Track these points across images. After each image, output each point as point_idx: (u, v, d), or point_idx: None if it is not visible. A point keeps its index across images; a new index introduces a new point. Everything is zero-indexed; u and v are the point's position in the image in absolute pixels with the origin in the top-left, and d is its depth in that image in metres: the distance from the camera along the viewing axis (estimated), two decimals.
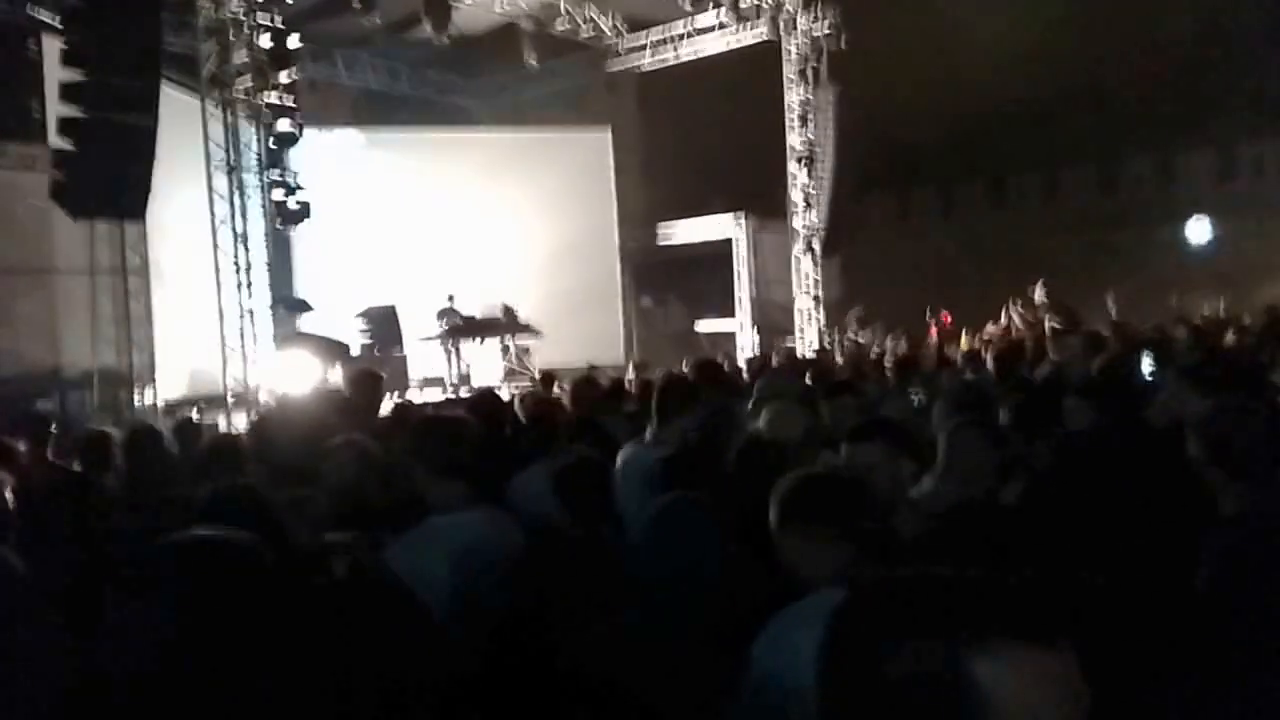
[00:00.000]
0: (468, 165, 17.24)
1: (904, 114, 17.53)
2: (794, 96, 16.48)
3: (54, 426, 6.25)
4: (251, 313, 12.90)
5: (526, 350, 15.19)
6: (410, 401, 10.64)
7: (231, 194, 12.90)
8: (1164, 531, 2.31)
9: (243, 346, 12.78)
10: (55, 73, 10.18)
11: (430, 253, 16.72)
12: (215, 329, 12.72)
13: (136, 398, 12.71)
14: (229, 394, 12.43)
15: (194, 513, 2.67)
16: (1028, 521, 2.81)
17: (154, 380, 12.91)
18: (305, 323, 14.52)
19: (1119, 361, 5.58)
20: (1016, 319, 10.35)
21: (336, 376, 12.11)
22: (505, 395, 8.47)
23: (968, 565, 2.37)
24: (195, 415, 10.92)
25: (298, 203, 14.00)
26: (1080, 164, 19.14)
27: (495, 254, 17.11)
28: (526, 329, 15.15)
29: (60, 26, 10.05)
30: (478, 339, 15.00)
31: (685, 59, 17.68)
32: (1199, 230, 18.32)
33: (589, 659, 2.06)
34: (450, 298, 14.87)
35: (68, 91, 9.45)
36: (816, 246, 16.62)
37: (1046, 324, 9.77)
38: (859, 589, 0.95)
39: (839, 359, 10.84)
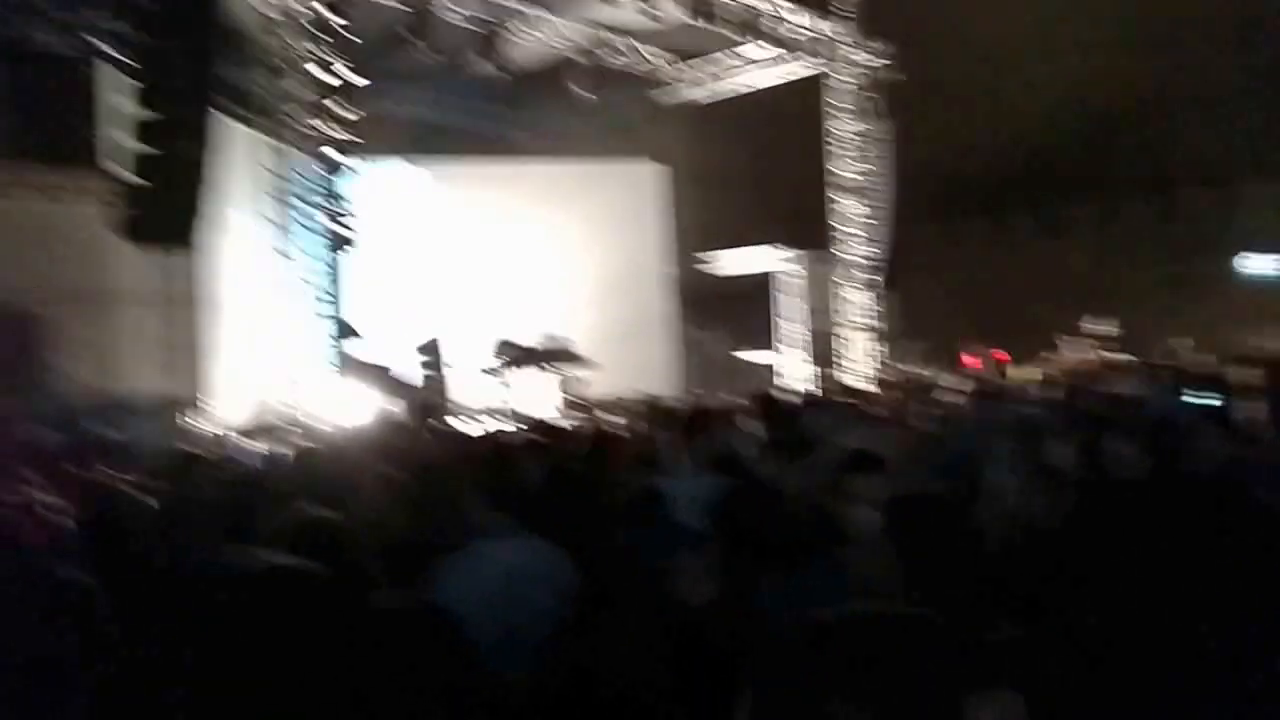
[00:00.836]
0: (517, 196, 17.37)
1: (960, 143, 17.39)
2: (844, 128, 16.44)
3: (113, 452, 6.32)
4: (304, 341, 13.03)
5: (578, 381, 15.19)
6: (466, 432, 10.65)
7: (285, 224, 13.09)
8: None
9: (295, 375, 12.90)
10: (108, 100, 10.42)
11: (479, 284, 16.83)
12: (269, 356, 12.85)
13: (192, 424, 12.86)
14: (282, 421, 12.53)
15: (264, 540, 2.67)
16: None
17: (209, 407, 13.07)
18: (354, 350, 14.63)
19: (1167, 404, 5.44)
20: (1075, 354, 10.14)
21: (387, 405, 12.19)
22: (557, 426, 8.45)
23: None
24: (250, 442, 11.02)
25: (347, 236, 14.16)
26: (1137, 195, 18.84)
27: (544, 285, 17.18)
28: (578, 360, 15.15)
29: (118, 60, 10.29)
30: (528, 369, 15.02)
31: (732, 93, 17.73)
32: (1260, 263, 17.92)
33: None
34: (500, 333, 14.92)
35: (127, 122, 9.66)
36: (868, 278, 16.49)
37: (1108, 357, 9.58)
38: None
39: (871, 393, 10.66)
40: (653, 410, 6.57)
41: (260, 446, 8.92)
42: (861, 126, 16.31)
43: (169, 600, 2.49)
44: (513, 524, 3.27)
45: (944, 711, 0.81)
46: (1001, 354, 10.78)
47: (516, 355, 14.79)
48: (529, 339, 15.09)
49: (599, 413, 9.72)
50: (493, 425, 13.39)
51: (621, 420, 6.79)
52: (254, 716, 1.67)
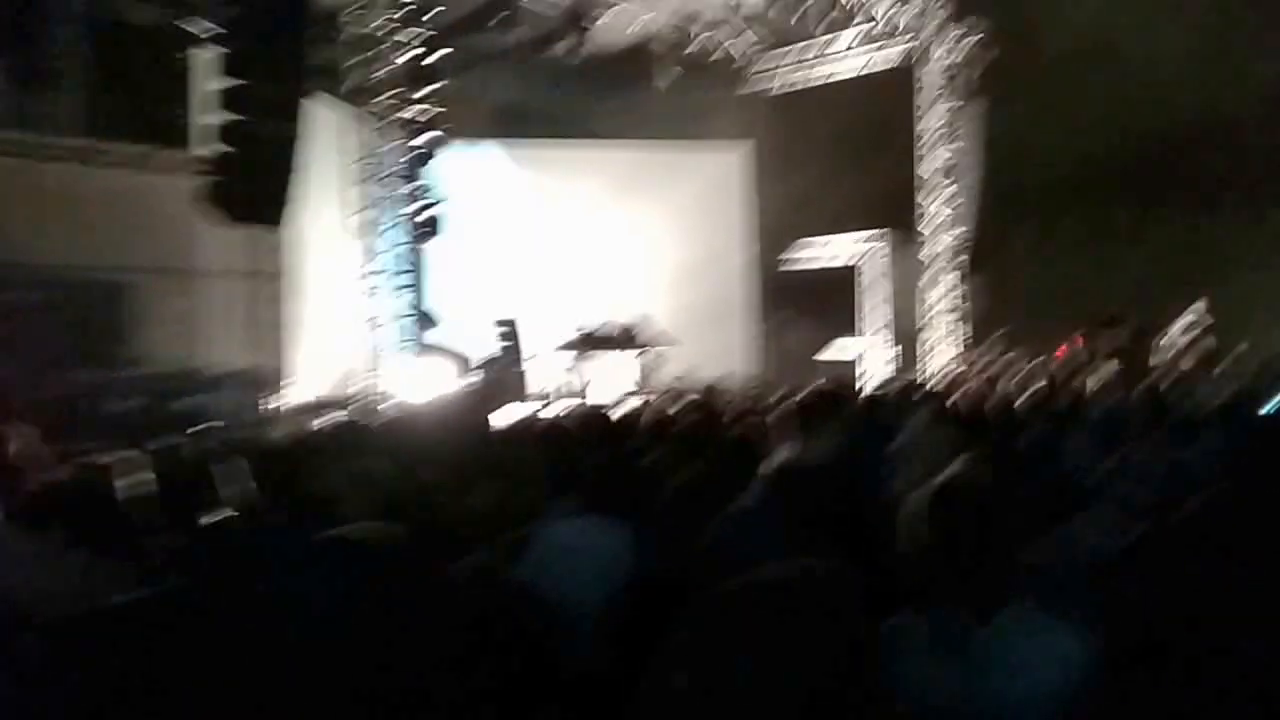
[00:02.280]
0: (600, 180, 17.35)
1: (1053, 133, 16.84)
2: (935, 113, 16.06)
3: (198, 425, 6.40)
4: (383, 322, 13.19)
5: (660, 363, 15.15)
6: (536, 415, 10.67)
7: (369, 205, 13.25)
8: None
9: (373, 354, 13.07)
10: (202, 82, 10.62)
11: (560, 265, 16.87)
12: (348, 337, 13.04)
13: (273, 401, 13.12)
14: (359, 401, 12.72)
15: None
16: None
17: (289, 384, 13.32)
18: (432, 334, 14.78)
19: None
20: (1168, 348, 9.71)
21: (461, 386, 12.28)
22: (632, 408, 8.39)
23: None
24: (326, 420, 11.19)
25: (432, 215, 14.29)
26: (1233, 198, 18.03)
27: (624, 269, 17.15)
28: (654, 344, 15.10)
29: (210, 38, 10.48)
30: (604, 353, 15.01)
31: (816, 82, 17.46)
32: None
33: None
34: (577, 317, 14.92)
35: (218, 99, 9.85)
36: (954, 268, 16.10)
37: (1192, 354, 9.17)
38: None
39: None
40: (718, 398, 6.47)
41: (339, 417, 9.04)
42: (953, 110, 15.90)
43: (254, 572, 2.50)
44: (578, 506, 3.22)
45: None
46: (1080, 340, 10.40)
47: (594, 339, 14.76)
48: (607, 324, 15.05)
49: (674, 399, 9.61)
50: (567, 408, 13.42)
51: (695, 407, 6.67)
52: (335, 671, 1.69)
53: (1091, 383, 8.21)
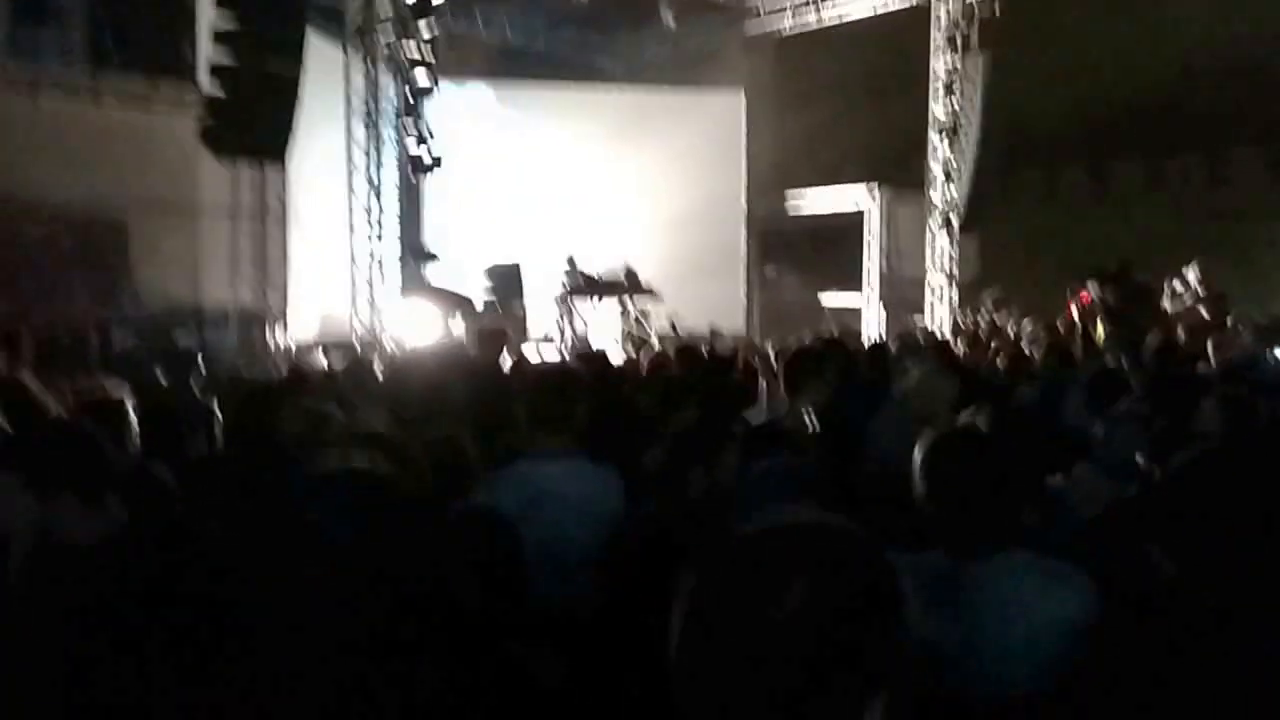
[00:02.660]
0: (598, 123, 17.17)
1: (1058, 86, 16.64)
2: (940, 63, 15.83)
3: (200, 360, 6.40)
4: (380, 261, 13.15)
5: (646, 313, 15.08)
6: (527, 357, 10.69)
7: (368, 143, 13.14)
8: None
9: (371, 293, 13.04)
10: (207, 17, 10.48)
11: (556, 210, 16.73)
12: (345, 274, 13.00)
13: (270, 338, 13.13)
14: (356, 339, 12.72)
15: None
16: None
17: (287, 321, 13.31)
18: (430, 274, 14.75)
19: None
20: (1167, 304, 9.63)
21: (458, 328, 12.27)
22: (621, 356, 8.39)
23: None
24: (324, 358, 11.20)
25: (430, 155, 14.18)
26: (1247, 148, 17.86)
27: (620, 214, 17.02)
28: (647, 292, 15.03)
29: None
30: (597, 299, 14.96)
31: (827, 23, 17.16)
32: None
33: None
34: (570, 260, 14.80)
35: (220, 37, 9.74)
36: (955, 221, 15.97)
37: (1199, 311, 9.10)
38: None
39: (961, 343, 10.34)
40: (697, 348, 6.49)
41: (333, 358, 9.05)
42: (958, 61, 15.66)
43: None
44: (567, 447, 3.23)
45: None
46: (1086, 296, 10.31)
47: (580, 283, 14.68)
48: (595, 268, 14.94)
49: (664, 345, 9.62)
50: (560, 351, 13.45)
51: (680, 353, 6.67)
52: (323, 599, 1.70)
53: (1096, 337, 8.20)
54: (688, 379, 5.55)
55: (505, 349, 8.08)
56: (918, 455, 2.16)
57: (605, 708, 1.94)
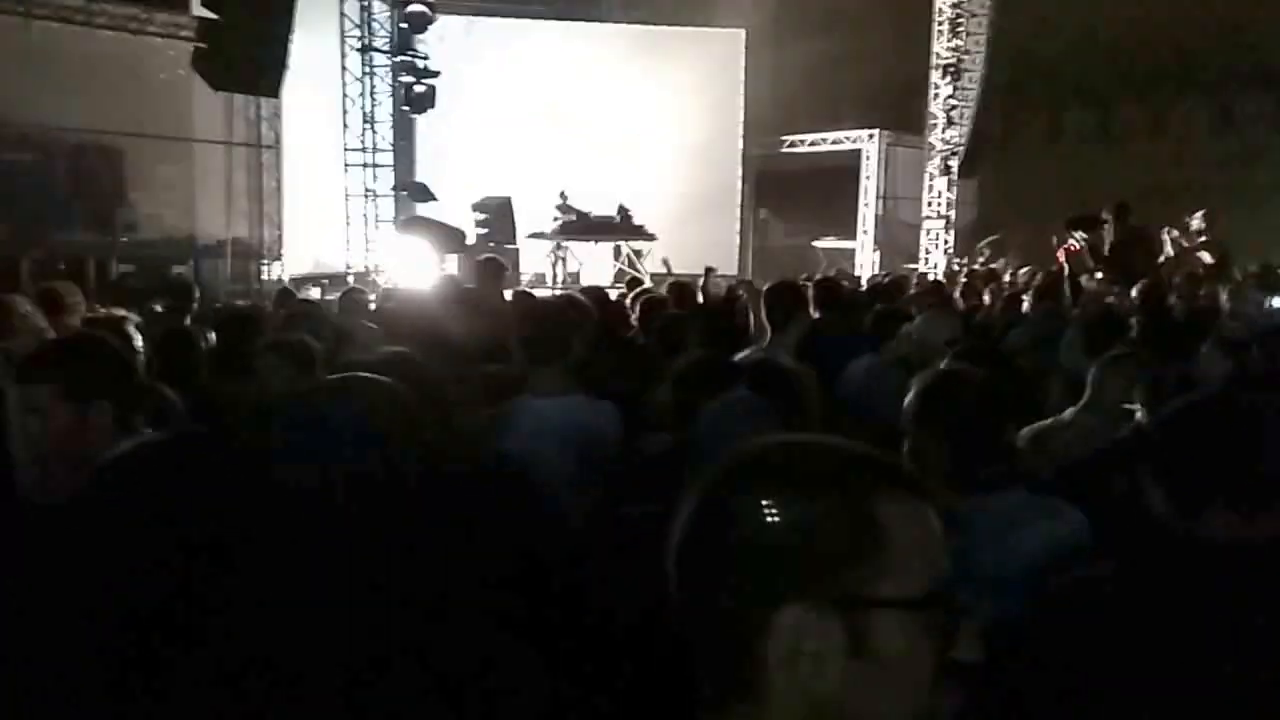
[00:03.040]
0: (596, 59, 16.94)
1: (1063, 28, 16.41)
2: (942, 3, 15.62)
3: (196, 293, 6.37)
4: (374, 194, 13.06)
5: (639, 253, 15.02)
6: (529, 292, 10.68)
7: (364, 75, 12.98)
8: None
9: (365, 228, 12.97)
10: None
11: (551, 146, 16.54)
12: (339, 208, 12.92)
13: (264, 271, 13.09)
14: (349, 273, 12.69)
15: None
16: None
17: (281, 255, 13.25)
18: (425, 209, 14.64)
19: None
20: (1171, 248, 9.62)
21: (451, 264, 12.23)
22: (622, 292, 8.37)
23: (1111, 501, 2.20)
24: (318, 292, 11.18)
25: (426, 88, 13.99)
26: (1251, 94, 17.66)
27: (616, 152, 16.86)
28: (640, 232, 14.95)
29: None
30: (591, 239, 14.89)
31: None
32: None
33: None
34: (563, 195, 14.69)
35: None
36: (954, 165, 15.87)
37: (1200, 258, 9.10)
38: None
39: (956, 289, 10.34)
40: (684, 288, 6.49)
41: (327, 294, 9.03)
42: (958, 1, 15.44)
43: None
44: (561, 378, 3.24)
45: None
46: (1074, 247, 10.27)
47: (573, 221, 14.59)
48: (588, 207, 14.85)
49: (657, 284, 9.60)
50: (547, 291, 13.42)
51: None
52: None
53: (1087, 281, 8.20)
54: (685, 317, 5.56)
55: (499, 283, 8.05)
56: (911, 394, 2.19)
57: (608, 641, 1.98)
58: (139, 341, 3.42)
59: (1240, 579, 1.59)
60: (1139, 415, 2.69)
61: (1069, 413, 3.00)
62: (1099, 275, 8.21)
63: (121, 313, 4.10)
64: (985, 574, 1.87)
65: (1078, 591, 1.70)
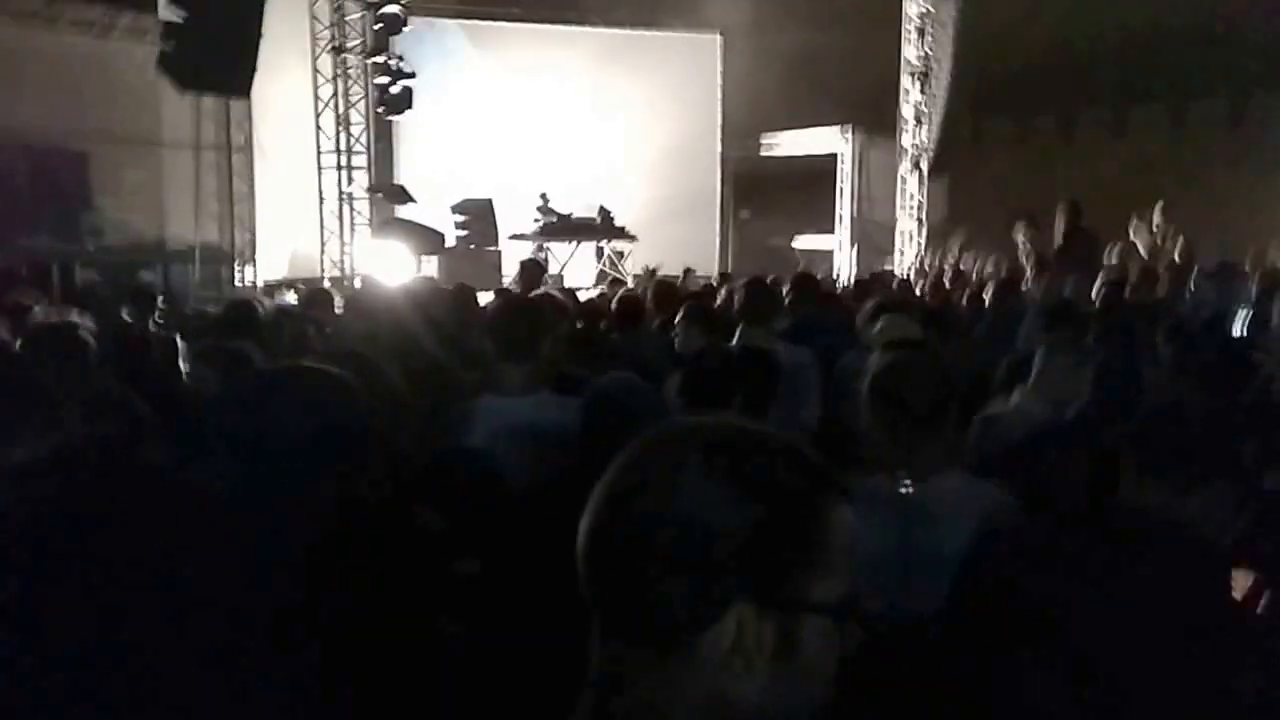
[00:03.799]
0: (574, 62, 16.95)
1: (1027, 33, 16.60)
2: (914, 7, 15.76)
3: (160, 299, 6.36)
4: (350, 197, 13.01)
5: (621, 254, 15.07)
6: (509, 290, 10.68)
7: (336, 76, 12.94)
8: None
9: (341, 230, 12.93)
10: None
11: (530, 149, 16.55)
12: (314, 211, 12.87)
13: (237, 275, 13.02)
14: (325, 277, 12.64)
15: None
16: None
17: (254, 259, 13.18)
18: (403, 211, 14.60)
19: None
20: (1140, 245, 9.77)
21: (430, 266, 12.22)
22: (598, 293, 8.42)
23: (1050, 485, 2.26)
24: (293, 295, 11.12)
25: (401, 89, 13.94)
26: (1210, 99, 17.91)
27: (595, 154, 16.90)
28: (622, 233, 14.99)
29: None
30: (572, 240, 14.91)
31: None
32: None
33: None
34: (544, 196, 14.71)
35: None
36: (924, 166, 16.01)
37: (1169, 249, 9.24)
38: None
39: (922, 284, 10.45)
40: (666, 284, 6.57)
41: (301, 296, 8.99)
42: (926, 8, 15.59)
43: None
44: (526, 376, 3.27)
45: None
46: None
47: (554, 223, 14.62)
48: (569, 208, 14.87)
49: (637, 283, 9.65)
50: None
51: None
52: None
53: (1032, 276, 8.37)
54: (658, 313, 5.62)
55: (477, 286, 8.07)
56: (865, 379, 2.26)
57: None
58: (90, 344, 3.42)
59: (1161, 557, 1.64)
60: (1080, 400, 2.75)
61: (1014, 397, 3.08)
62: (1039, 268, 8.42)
63: (74, 317, 4.07)
64: (922, 555, 1.94)
65: (1007, 571, 1.75)
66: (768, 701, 0.88)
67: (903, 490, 2.12)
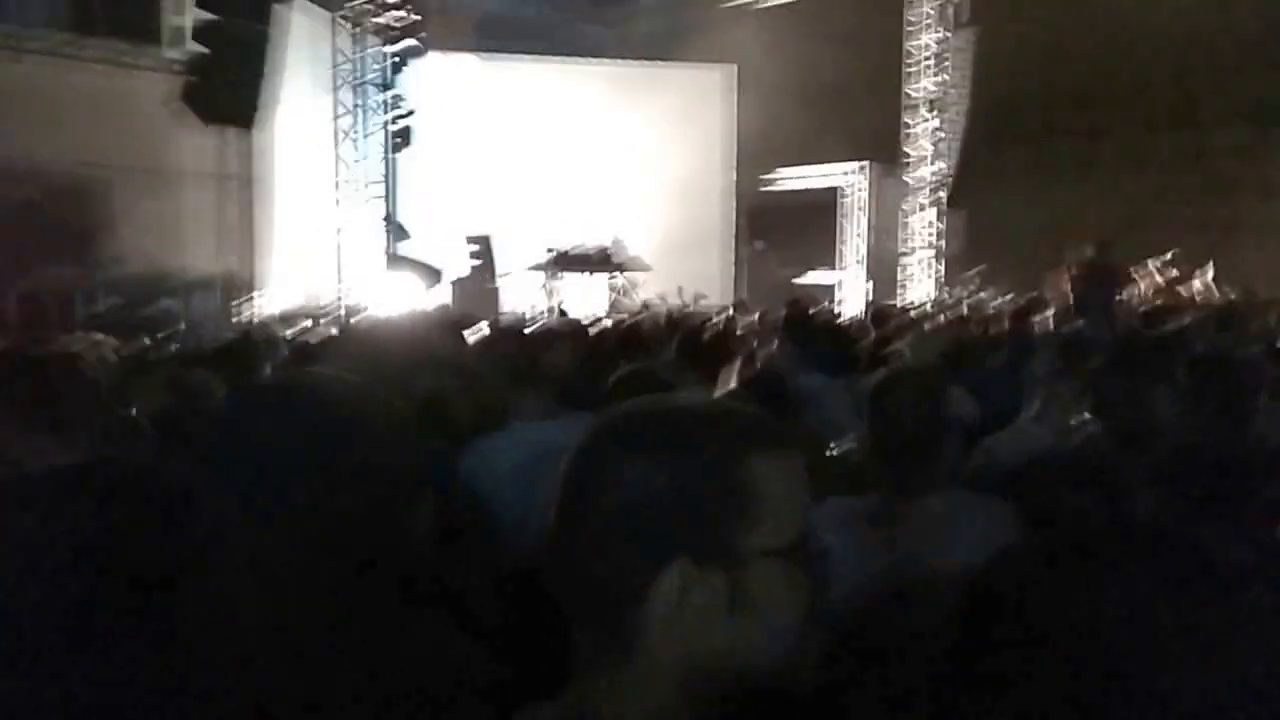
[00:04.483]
0: (585, 96, 17.09)
1: (1045, 63, 16.63)
2: (928, 38, 15.84)
3: (182, 325, 6.40)
4: (360, 230, 13.11)
5: (633, 286, 15.11)
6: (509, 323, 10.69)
7: (345, 113, 13.08)
8: None
9: (338, 260, 12.98)
10: None
11: (541, 184, 16.66)
12: (326, 243, 12.96)
13: (253, 305, 13.11)
14: (337, 308, 12.71)
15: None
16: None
17: (268, 289, 13.28)
18: (407, 247, 14.68)
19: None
20: (1159, 277, 9.81)
21: (432, 300, 12.26)
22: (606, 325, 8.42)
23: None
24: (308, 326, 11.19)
25: (405, 127, 14.08)
26: (1231, 126, 17.87)
27: (607, 188, 16.99)
28: (636, 263, 15.02)
29: None
30: (583, 272, 14.95)
31: None
32: None
33: None
34: (550, 250, 14.75)
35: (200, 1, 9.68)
36: (942, 197, 16.02)
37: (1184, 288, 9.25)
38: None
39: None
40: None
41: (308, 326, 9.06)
42: (943, 36, 15.66)
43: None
44: (545, 404, 3.27)
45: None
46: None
47: (565, 254, 14.65)
48: (582, 244, 14.91)
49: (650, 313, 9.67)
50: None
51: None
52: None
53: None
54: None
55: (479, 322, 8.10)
56: (863, 395, 2.27)
57: None
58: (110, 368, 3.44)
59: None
60: (1086, 428, 2.75)
61: (1021, 422, 3.09)
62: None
63: (94, 343, 4.11)
64: (917, 571, 1.93)
65: (1007, 586, 1.73)
66: (736, 650, 0.90)
67: (894, 507, 2.13)
